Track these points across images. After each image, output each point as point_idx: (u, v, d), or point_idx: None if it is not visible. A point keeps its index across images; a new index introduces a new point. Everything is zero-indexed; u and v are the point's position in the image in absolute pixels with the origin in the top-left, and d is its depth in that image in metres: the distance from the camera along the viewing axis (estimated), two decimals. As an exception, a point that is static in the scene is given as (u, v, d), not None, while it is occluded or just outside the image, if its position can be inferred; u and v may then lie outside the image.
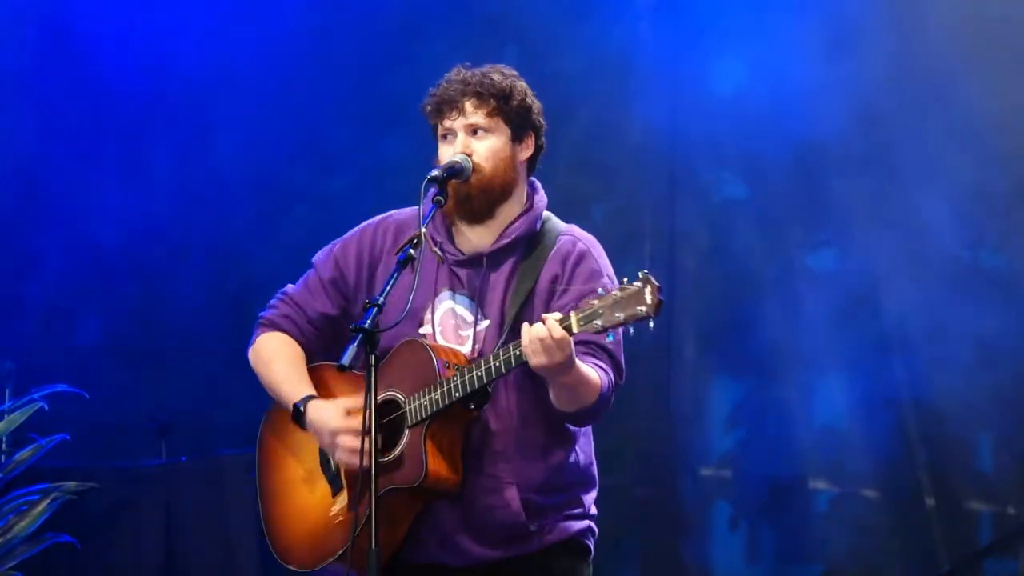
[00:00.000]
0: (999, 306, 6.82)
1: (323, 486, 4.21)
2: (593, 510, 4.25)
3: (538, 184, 4.27)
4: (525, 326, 3.88)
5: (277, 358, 4.27)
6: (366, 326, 3.88)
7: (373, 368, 3.89)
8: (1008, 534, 6.87)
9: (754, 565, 7.41)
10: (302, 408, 4.16)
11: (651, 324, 3.80)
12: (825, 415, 7.25)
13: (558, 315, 3.86)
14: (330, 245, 4.34)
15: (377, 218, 4.33)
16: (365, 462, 3.86)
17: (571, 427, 4.16)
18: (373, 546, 3.84)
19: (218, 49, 7.61)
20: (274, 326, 4.32)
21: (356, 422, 4.03)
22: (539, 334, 3.83)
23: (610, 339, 3.92)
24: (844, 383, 7.18)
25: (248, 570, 7.18)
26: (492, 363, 3.95)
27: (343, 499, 4.16)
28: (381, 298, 3.95)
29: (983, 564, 6.95)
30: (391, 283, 4.00)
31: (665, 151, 7.45)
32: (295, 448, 4.28)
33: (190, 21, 7.67)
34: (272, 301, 4.36)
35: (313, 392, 4.20)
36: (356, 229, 4.33)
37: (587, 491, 4.23)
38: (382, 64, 7.48)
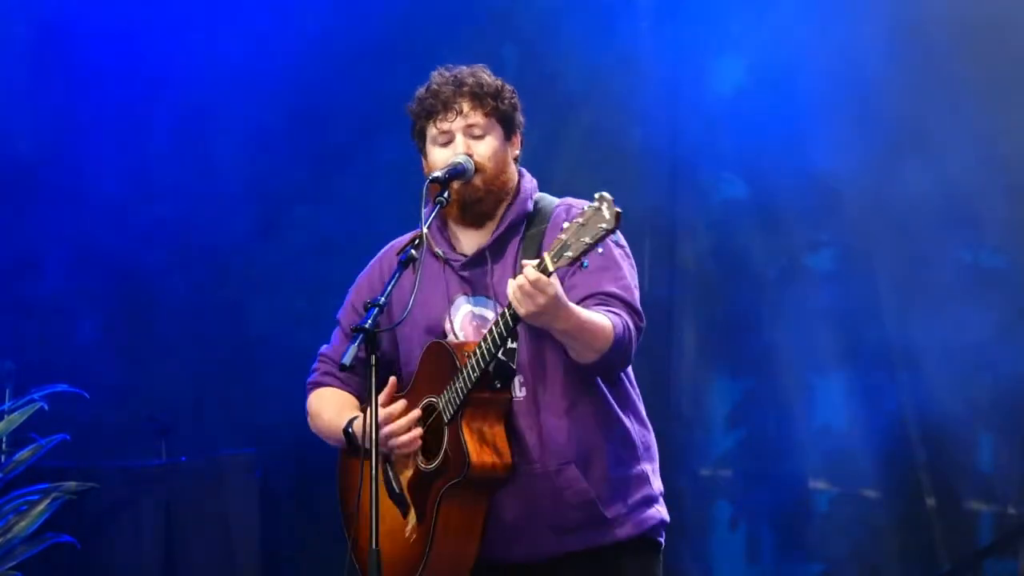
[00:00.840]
0: (999, 306, 6.82)
1: (393, 510, 4.20)
2: (659, 483, 4.22)
3: (524, 170, 4.28)
4: (509, 282, 3.89)
5: (323, 409, 4.33)
6: (366, 326, 3.90)
7: (373, 368, 3.91)
8: (1008, 534, 6.87)
9: (754, 565, 7.41)
10: (349, 430, 4.20)
11: (616, 235, 3.82)
12: (825, 415, 7.25)
13: (533, 261, 3.87)
14: (347, 295, 4.39)
15: (380, 252, 4.36)
16: (370, 458, 3.88)
17: (615, 392, 4.12)
18: (373, 546, 3.85)
19: (218, 49, 7.60)
20: (318, 385, 4.39)
21: (392, 407, 4.06)
22: (518, 282, 3.84)
23: (585, 265, 3.89)
24: (844, 383, 7.18)
25: (248, 570, 7.18)
26: (493, 331, 3.96)
27: (412, 518, 4.15)
28: (382, 298, 3.98)
29: (983, 564, 6.95)
30: (392, 283, 4.02)
31: (665, 151, 7.45)
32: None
33: (190, 21, 7.67)
34: (313, 365, 4.42)
35: (356, 414, 4.20)
36: (363, 272, 4.37)
37: (649, 460, 4.20)
38: (382, 64, 7.48)
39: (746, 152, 7.27)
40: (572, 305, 3.92)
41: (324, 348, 4.41)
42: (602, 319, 3.98)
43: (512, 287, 3.86)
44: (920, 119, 6.87)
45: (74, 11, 7.57)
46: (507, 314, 3.91)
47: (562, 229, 3.82)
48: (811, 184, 7.10)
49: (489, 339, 3.97)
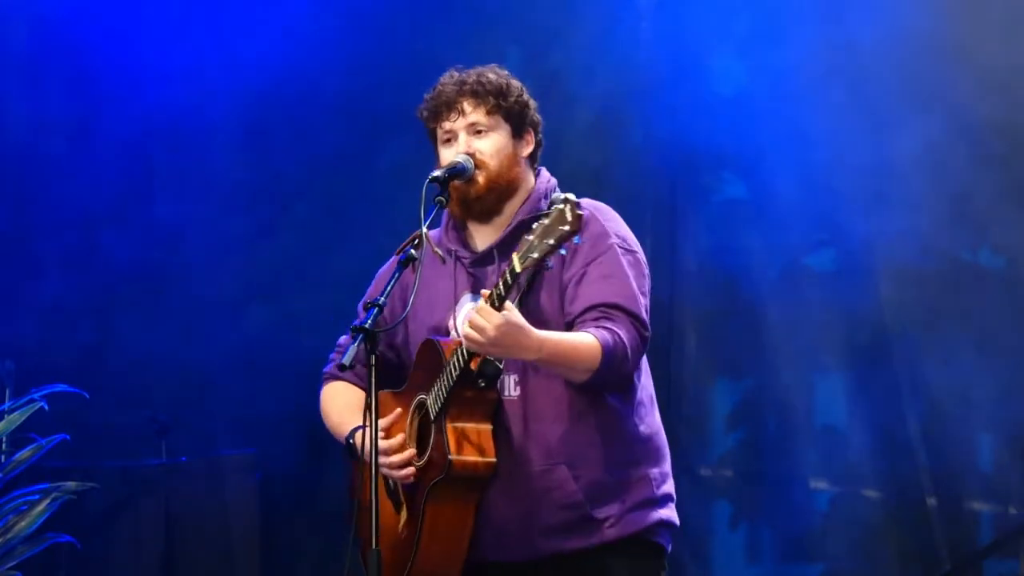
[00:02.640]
0: (999, 306, 6.81)
1: (389, 507, 4.21)
2: (666, 487, 4.15)
3: (543, 169, 4.27)
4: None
5: (332, 406, 4.35)
6: (367, 326, 3.90)
7: (373, 368, 3.92)
8: (1009, 534, 6.86)
9: (754, 565, 7.41)
10: (351, 441, 4.21)
11: (576, 240, 3.78)
12: (825, 415, 7.25)
13: (486, 291, 3.88)
14: (370, 286, 4.39)
15: (405, 240, 4.33)
16: (372, 459, 3.88)
17: (620, 395, 4.09)
18: (373, 546, 3.86)
19: (218, 49, 7.60)
20: (333, 377, 4.40)
21: (391, 441, 4.07)
22: (468, 317, 3.85)
23: (549, 266, 3.89)
24: (844, 383, 7.18)
25: (248, 570, 7.19)
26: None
27: (404, 514, 4.16)
28: (382, 298, 3.99)
29: (984, 564, 6.95)
30: (392, 283, 4.03)
31: (665, 151, 7.44)
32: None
33: (189, 22, 7.67)
34: (330, 355, 4.43)
35: (359, 424, 4.18)
36: (384, 266, 4.36)
37: (654, 465, 4.14)
38: (383, 64, 7.48)
39: (746, 152, 7.27)
40: (543, 333, 3.90)
41: (342, 339, 4.41)
42: (585, 340, 3.95)
43: (464, 322, 3.87)
44: (920, 119, 6.86)
45: (74, 11, 7.57)
46: (460, 350, 3.92)
47: (531, 230, 3.82)
48: (811, 184, 7.10)
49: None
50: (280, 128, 7.68)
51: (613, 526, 4.07)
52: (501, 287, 3.84)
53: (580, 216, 3.75)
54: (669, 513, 4.16)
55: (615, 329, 3.98)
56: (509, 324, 3.83)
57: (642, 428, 4.14)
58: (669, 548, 4.19)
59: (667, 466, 4.19)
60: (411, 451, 4.08)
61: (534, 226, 3.81)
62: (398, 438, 4.09)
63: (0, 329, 7.25)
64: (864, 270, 7.09)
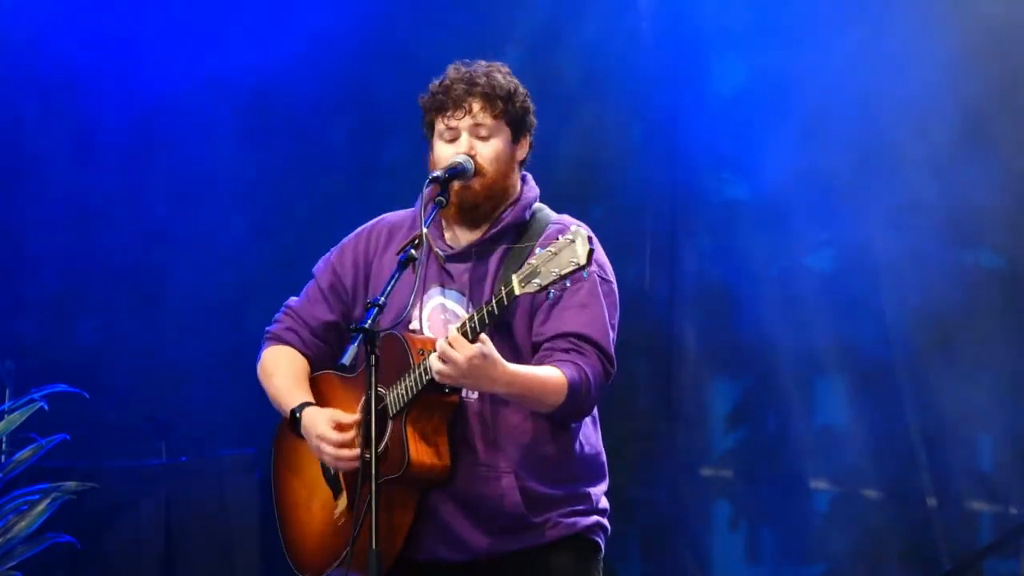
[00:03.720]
0: (999, 306, 6.81)
1: (325, 491, 4.22)
2: (603, 503, 4.20)
3: (528, 176, 4.26)
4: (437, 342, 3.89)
5: (277, 371, 4.30)
6: (366, 326, 3.89)
7: (373, 368, 3.91)
8: (1009, 534, 6.87)
9: (754, 565, 7.41)
10: (298, 415, 4.19)
11: (585, 274, 3.79)
12: (825, 415, 7.25)
13: (465, 315, 3.90)
14: (328, 253, 4.36)
15: (371, 222, 4.34)
16: (367, 460, 3.87)
17: (579, 420, 4.12)
18: (373, 546, 3.85)
19: (217, 49, 7.60)
20: (278, 339, 4.35)
21: (342, 434, 4.07)
22: (439, 345, 3.85)
23: (550, 296, 3.90)
24: (844, 383, 7.18)
25: (248, 570, 7.18)
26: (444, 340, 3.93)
27: (343, 502, 4.17)
28: (382, 298, 3.97)
29: (984, 564, 6.95)
30: (392, 283, 4.01)
31: (665, 151, 7.45)
32: (300, 458, 4.29)
33: (189, 22, 7.67)
34: (276, 315, 4.39)
35: (310, 400, 4.21)
36: (351, 235, 4.34)
37: (594, 483, 4.18)
38: (383, 64, 7.48)
39: (746, 152, 7.27)
40: (513, 368, 3.91)
41: (291, 300, 4.38)
42: (552, 375, 3.97)
43: (438, 349, 3.86)
44: (920, 119, 6.86)
45: (73, 9, 7.57)
46: (469, 329, 3.90)
47: (533, 254, 3.81)
48: (811, 184, 7.10)
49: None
50: (280, 128, 7.68)
51: (553, 528, 4.11)
52: (485, 315, 3.84)
53: (592, 252, 3.75)
54: (603, 519, 4.22)
55: (583, 366, 4.00)
56: (481, 357, 3.85)
57: (586, 448, 4.18)
58: (603, 547, 4.23)
59: (605, 485, 4.24)
60: (356, 450, 4.08)
61: (537, 251, 3.82)
62: (352, 433, 4.07)
63: (0, 329, 7.24)
64: (864, 270, 7.09)
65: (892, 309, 7.02)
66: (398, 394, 4.03)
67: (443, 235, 4.20)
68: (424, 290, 4.17)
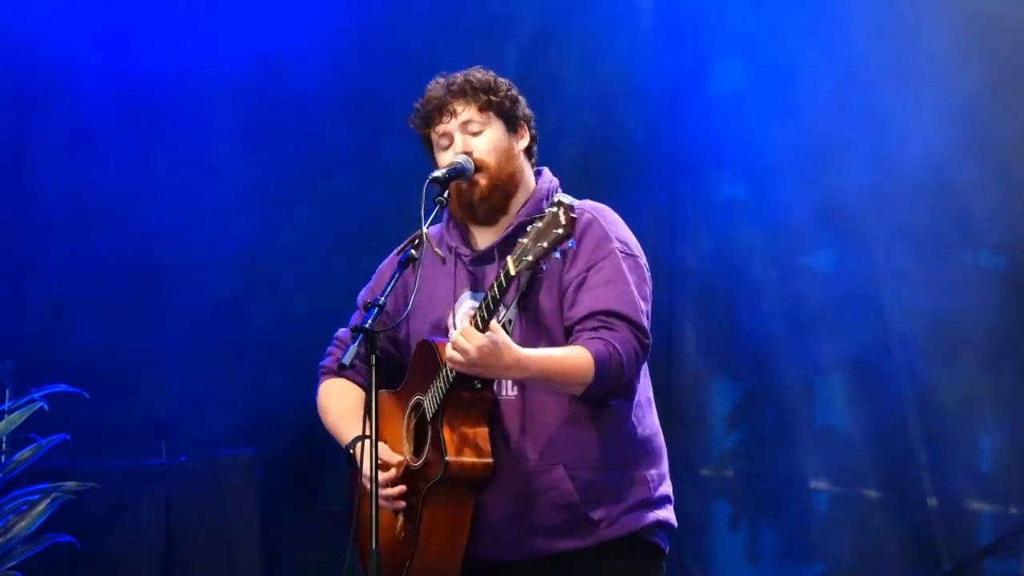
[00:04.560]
0: (999, 306, 6.81)
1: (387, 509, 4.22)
2: (663, 489, 4.14)
3: (545, 170, 4.27)
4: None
5: (331, 407, 4.33)
6: (367, 326, 3.90)
7: (374, 368, 3.93)
8: (1009, 534, 6.87)
9: (754, 565, 7.41)
10: (352, 451, 4.20)
11: (571, 243, 3.80)
12: (825, 415, 7.25)
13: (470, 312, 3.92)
14: (370, 281, 4.38)
15: (405, 240, 4.33)
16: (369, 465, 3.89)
17: (619, 397, 4.09)
18: (373, 546, 3.86)
19: (217, 49, 7.60)
20: (331, 373, 4.37)
21: (384, 474, 4.08)
22: (452, 338, 3.88)
23: (543, 270, 3.92)
24: (844, 383, 7.18)
25: (248, 570, 7.18)
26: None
27: (402, 515, 4.16)
28: (383, 298, 3.99)
29: (984, 564, 6.95)
30: (392, 284, 4.02)
31: (665, 151, 7.45)
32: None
33: (189, 23, 7.66)
34: (328, 349, 4.41)
35: (359, 434, 4.18)
36: (388, 257, 4.34)
37: (650, 467, 4.13)
38: (383, 64, 7.48)
39: (746, 152, 7.27)
40: (527, 352, 3.92)
41: (340, 332, 4.41)
42: (575, 354, 3.96)
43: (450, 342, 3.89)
44: (920, 118, 6.86)
45: (73, 10, 7.57)
46: (479, 318, 3.90)
47: (525, 233, 3.83)
48: (811, 184, 7.10)
49: None
50: (280, 128, 7.67)
51: (610, 527, 4.06)
52: (490, 301, 3.86)
53: (573, 219, 3.76)
54: (667, 514, 4.16)
55: (612, 341, 3.98)
56: (490, 345, 3.86)
57: (640, 429, 4.13)
58: (667, 549, 4.18)
59: (664, 467, 4.18)
60: (401, 487, 4.11)
61: (528, 228, 3.82)
62: (393, 472, 4.10)
63: (0, 329, 7.24)
64: (864, 270, 7.09)
65: (892, 309, 7.02)
66: (433, 396, 4.04)
67: (466, 240, 4.21)
68: (455, 296, 4.18)
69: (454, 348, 3.87)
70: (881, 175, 7.00)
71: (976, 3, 6.83)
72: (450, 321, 4.18)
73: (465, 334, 3.86)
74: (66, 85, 7.58)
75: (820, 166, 7.08)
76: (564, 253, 4.00)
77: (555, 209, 3.77)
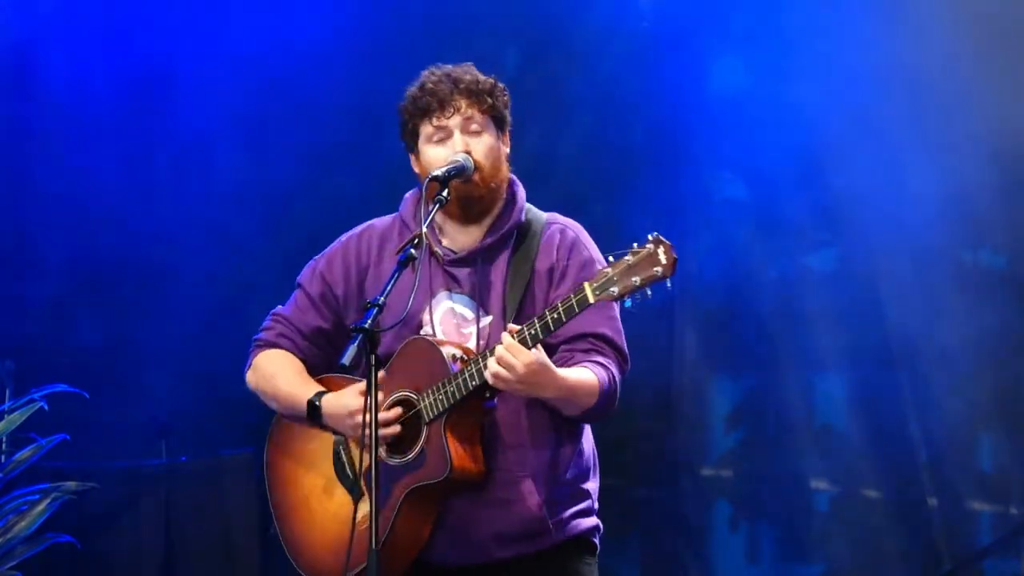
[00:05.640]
0: (999, 306, 6.81)
1: (342, 494, 4.21)
2: (596, 500, 4.25)
3: (514, 178, 4.28)
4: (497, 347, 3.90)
5: (280, 371, 4.29)
6: (366, 326, 3.89)
7: (373, 368, 3.91)
8: (1009, 534, 6.87)
9: (754, 565, 7.41)
10: (317, 403, 4.17)
11: (668, 284, 3.81)
12: (825, 415, 7.25)
13: (514, 327, 3.89)
14: (312, 262, 4.36)
15: (357, 229, 4.35)
16: (369, 460, 3.88)
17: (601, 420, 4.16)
18: (374, 546, 3.85)
19: (217, 49, 7.60)
20: (271, 345, 4.34)
21: (390, 413, 4.05)
22: (498, 352, 3.87)
23: (627, 304, 3.88)
24: (844, 383, 7.18)
25: (248, 570, 7.18)
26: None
27: (366, 506, 4.13)
28: (382, 298, 3.96)
29: (984, 564, 6.95)
30: (391, 283, 4.01)
31: (666, 151, 7.45)
32: (307, 461, 4.28)
33: (189, 22, 7.66)
34: (265, 323, 4.38)
35: (323, 389, 4.19)
36: (337, 243, 4.34)
37: (591, 480, 4.23)
38: (383, 64, 7.48)
39: (746, 152, 7.27)
40: (563, 373, 3.95)
41: (280, 309, 4.36)
42: (588, 378, 4.01)
43: (494, 355, 3.87)
44: (921, 118, 6.86)
45: (73, 10, 7.57)
46: (529, 336, 3.89)
47: (608, 263, 3.83)
48: (811, 184, 7.10)
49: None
50: (281, 127, 7.67)
51: (560, 529, 4.14)
52: (549, 322, 3.86)
53: (675, 260, 3.77)
54: (598, 521, 4.26)
55: (611, 368, 4.06)
56: (539, 364, 3.88)
57: (588, 446, 4.24)
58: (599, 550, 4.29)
59: (598, 482, 4.28)
60: (398, 410, 4.07)
61: (610, 259, 3.83)
62: (395, 411, 4.06)
63: (0, 329, 7.24)
64: (864, 270, 7.09)
65: (892, 309, 7.02)
66: (436, 399, 4.04)
67: (440, 239, 4.21)
68: (432, 294, 4.18)
69: (499, 364, 3.87)
70: (881, 175, 7.00)
71: (978, 2, 6.83)
72: (426, 319, 4.17)
73: (512, 350, 3.86)
74: (66, 85, 7.58)
75: (820, 166, 7.08)
76: (551, 271, 4.08)
77: (652, 247, 3.79)
